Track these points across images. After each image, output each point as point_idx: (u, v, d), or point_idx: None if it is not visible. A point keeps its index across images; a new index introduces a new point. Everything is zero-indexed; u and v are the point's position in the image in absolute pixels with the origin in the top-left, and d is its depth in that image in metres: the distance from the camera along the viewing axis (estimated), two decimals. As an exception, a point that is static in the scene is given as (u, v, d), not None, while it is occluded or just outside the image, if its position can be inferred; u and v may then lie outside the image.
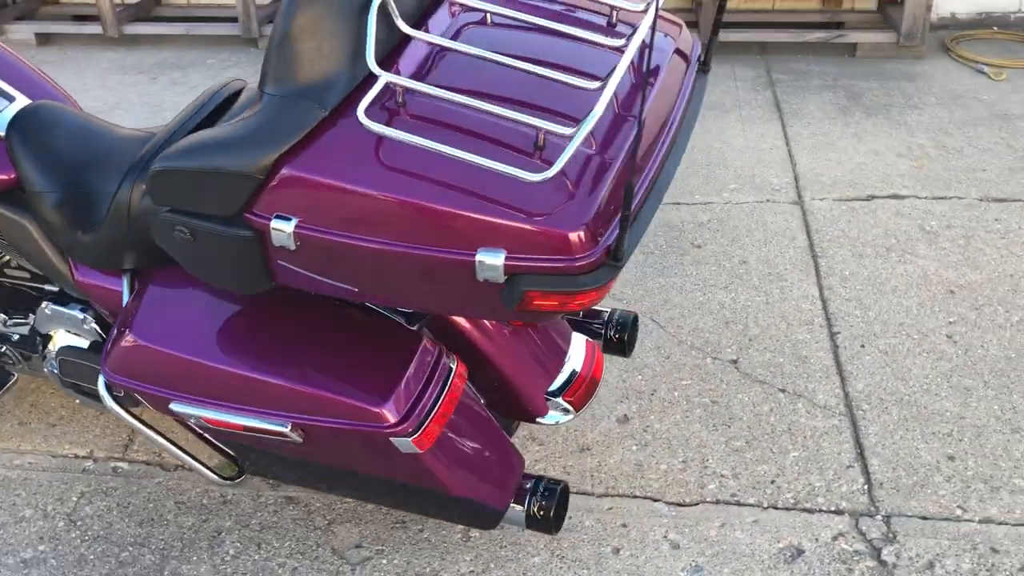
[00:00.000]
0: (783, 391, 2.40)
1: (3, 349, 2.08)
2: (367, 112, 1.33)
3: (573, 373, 1.90)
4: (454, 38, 1.52)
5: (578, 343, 1.96)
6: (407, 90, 1.40)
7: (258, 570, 1.98)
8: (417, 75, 1.46)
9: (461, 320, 1.77)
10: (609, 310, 2.15)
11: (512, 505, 1.77)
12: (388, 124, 1.37)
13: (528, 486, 1.79)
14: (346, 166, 1.37)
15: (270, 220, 1.40)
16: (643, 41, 1.41)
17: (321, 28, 1.38)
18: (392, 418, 1.54)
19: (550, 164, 1.28)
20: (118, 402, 1.79)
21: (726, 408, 2.36)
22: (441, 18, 1.57)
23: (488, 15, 1.57)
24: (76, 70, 4.55)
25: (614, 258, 1.33)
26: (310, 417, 1.58)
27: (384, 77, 1.35)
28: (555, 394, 1.87)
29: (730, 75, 4.23)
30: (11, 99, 1.92)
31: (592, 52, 1.53)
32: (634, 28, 1.55)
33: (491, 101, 1.35)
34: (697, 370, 2.48)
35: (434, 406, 1.58)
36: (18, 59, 2.03)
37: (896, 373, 2.44)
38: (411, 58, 1.49)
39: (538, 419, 1.90)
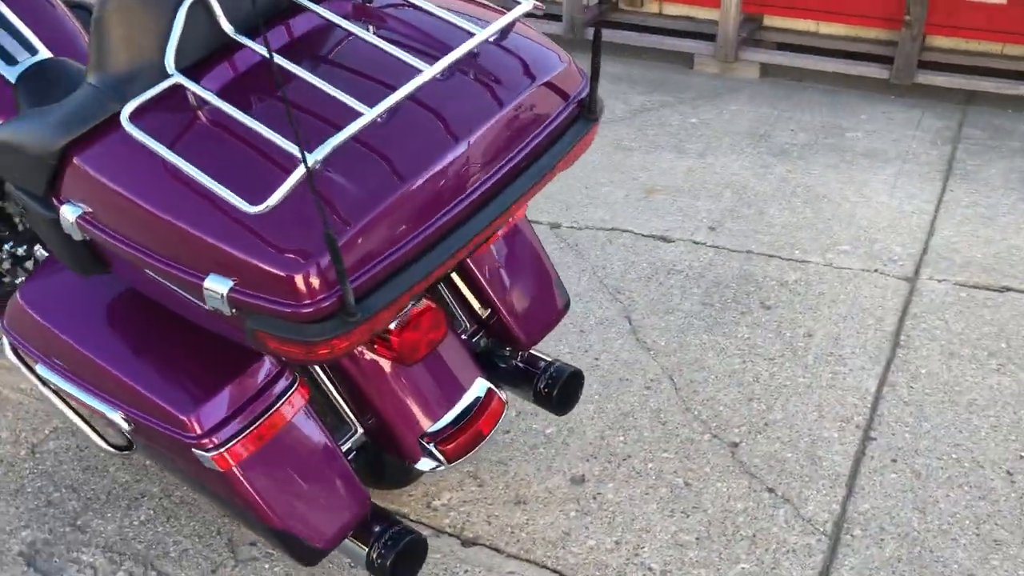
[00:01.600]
0: (771, 491, 2.09)
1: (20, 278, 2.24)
2: (139, 111, 1.28)
3: (455, 421, 1.75)
4: (284, 50, 1.42)
5: (477, 389, 1.80)
6: (200, 96, 1.32)
7: (155, 542, 2.01)
8: (223, 81, 1.38)
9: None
10: (549, 359, 1.97)
11: (359, 546, 1.67)
12: (157, 128, 1.30)
13: (377, 529, 1.68)
14: (115, 165, 1.32)
15: (62, 205, 1.39)
16: (447, 65, 1.25)
17: (131, 19, 1.33)
18: (196, 429, 1.49)
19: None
20: (15, 353, 1.86)
21: (695, 495, 2.09)
22: (280, 31, 1.46)
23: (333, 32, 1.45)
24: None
25: (345, 312, 1.19)
26: (134, 411, 1.56)
27: (174, 78, 1.29)
28: (433, 438, 1.73)
29: (913, 122, 3.74)
30: (35, 52, 2.04)
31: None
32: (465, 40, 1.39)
33: (271, 119, 1.25)
34: (687, 445, 2.22)
35: (248, 427, 1.51)
36: (62, 11, 2.14)
37: (917, 502, 2.05)
38: (233, 65, 1.41)
39: (412, 463, 1.76)
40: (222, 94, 1.29)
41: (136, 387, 1.54)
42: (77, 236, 1.39)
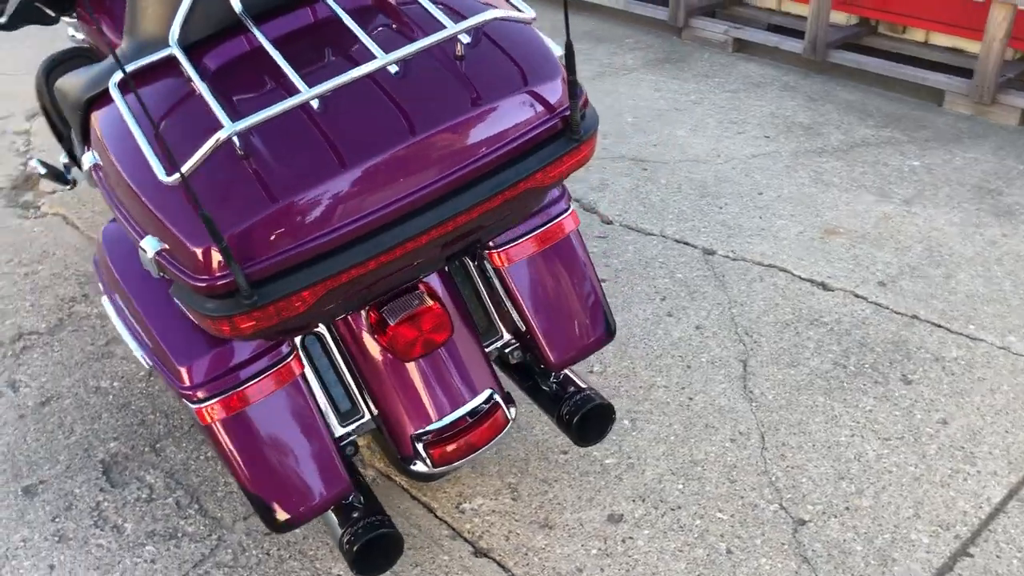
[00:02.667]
0: (819, 583, 1.86)
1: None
2: (136, 78, 1.35)
3: (450, 426, 1.71)
4: (285, 35, 1.43)
5: (481, 398, 1.74)
6: (185, 70, 1.37)
7: (209, 478, 2.16)
8: (215, 59, 1.42)
9: (346, 330, 1.70)
10: (583, 386, 1.87)
11: (337, 525, 1.70)
12: (143, 95, 1.37)
13: (355, 515, 1.69)
14: (107, 124, 1.41)
15: (86, 152, 1.51)
16: (403, 56, 1.21)
17: None
18: (186, 380, 1.58)
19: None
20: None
21: (732, 566, 1.90)
22: (287, 19, 1.48)
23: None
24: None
25: (240, 294, 1.20)
26: (154, 356, 1.68)
27: (169, 50, 1.35)
28: (423, 439, 1.71)
29: None
30: None
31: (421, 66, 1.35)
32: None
33: (235, 96, 1.28)
34: (747, 510, 2.02)
35: (232, 388, 1.57)
36: None
37: (990, 641, 1.73)
38: (232, 45, 1.45)
39: (407, 464, 1.75)
40: (205, 70, 1.35)
41: (155, 333, 1.65)
42: (92, 185, 1.51)
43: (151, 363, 1.71)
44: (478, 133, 1.37)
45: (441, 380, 1.72)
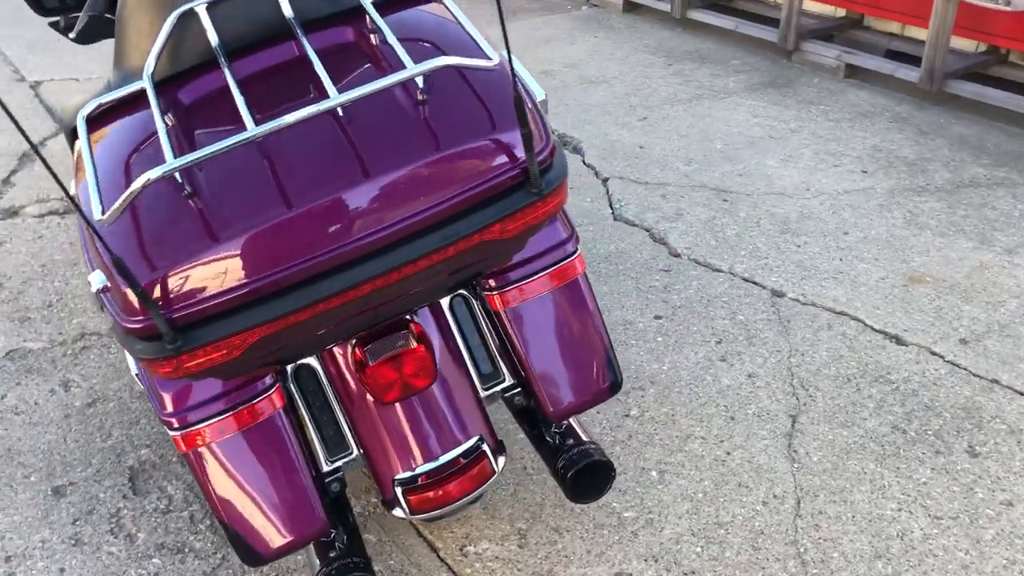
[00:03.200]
0: (831, 675, 1.70)
1: None
2: (107, 110, 1.34)
3: (427, 472, 1.64)
4: (254, 74, 1.39)
5: (467, 445, 1.66)
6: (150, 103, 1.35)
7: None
8: (185, 95, 1.39)
9: (331, 363, 1.66)
10: (585, 439, 1.76)
11: (317, 558, 1.67)
12: (107, 127, 1.35)
13: (333, 554, 1.65)
14: (77, 154, 1.41)
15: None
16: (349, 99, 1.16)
17: (135, 22, 1.41)
18: (166, 407, 1.57)
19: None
20: None
21: (739, 644, 1.76)
22: (262, 56, 1.43)
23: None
24: (626, 37, 4.82)
25: (167, 340, 1.16)
26: (143, 376, 1.68)
27: (139, 84, 1.34)
28: (404, 485, 1.64)
29: None
30: None
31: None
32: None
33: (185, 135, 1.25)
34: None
35: (208, 419, 1.56)
36: None
37: None
38: (203, 81, 1.41)
39: (389, 508, 1.69)
40: (173, 105, 1.33)
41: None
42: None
43: (144, 385, 1.72)
44: (429, 181, 1.30)
45: (426, 423, 1.65)
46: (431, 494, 1.62)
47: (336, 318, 1.33)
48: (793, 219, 3.11)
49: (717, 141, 3.69)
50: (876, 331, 2.57)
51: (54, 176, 1.01)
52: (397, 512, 1.67)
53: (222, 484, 1.59)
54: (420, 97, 1.33)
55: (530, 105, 1.39)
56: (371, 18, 1.43)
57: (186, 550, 2.04)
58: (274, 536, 1.61)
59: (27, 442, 2.34)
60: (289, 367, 1.66)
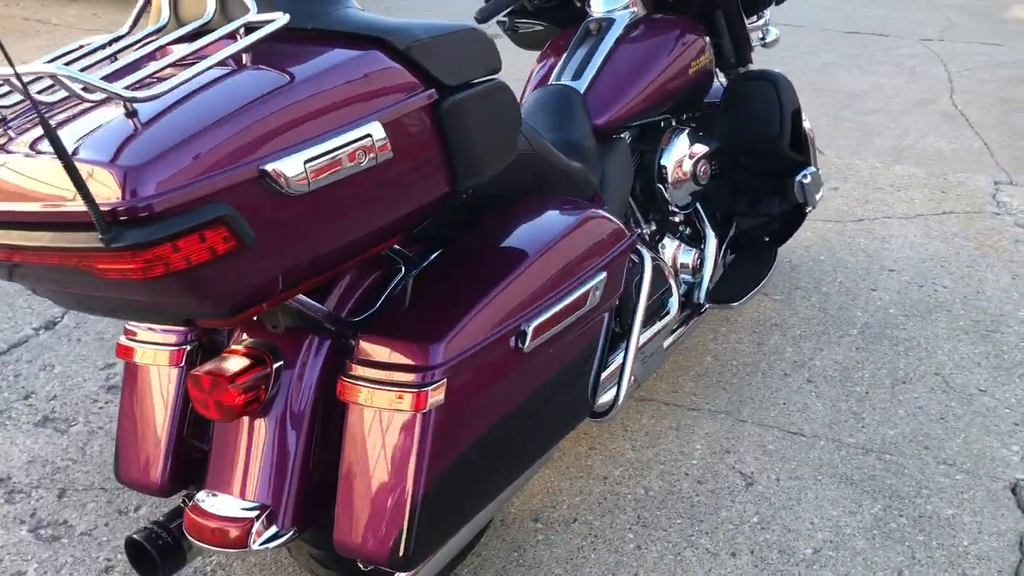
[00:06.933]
0: None
1: None
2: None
3: (202, 500, 1.60)
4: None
5: (240, 502, 1.57)
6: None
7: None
8: None
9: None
10: (162, 519, 1.70)
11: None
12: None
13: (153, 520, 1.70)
14: None
15: None
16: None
17: None
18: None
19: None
20: None
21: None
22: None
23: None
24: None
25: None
26: None
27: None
28: (190, 497, 1.64)
29: None
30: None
31: None
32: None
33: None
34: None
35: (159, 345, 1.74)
36: None
37: None
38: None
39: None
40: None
41: None
42: None
43: None
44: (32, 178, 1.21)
45: (234, 453, 1.60)
46: (191, 522, 1.58)
47: None
48: None
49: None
50: None
51: None
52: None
53: (124, 404, 1.76)
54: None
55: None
56: None
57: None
58: (128, 468, 1.73)
59: None
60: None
